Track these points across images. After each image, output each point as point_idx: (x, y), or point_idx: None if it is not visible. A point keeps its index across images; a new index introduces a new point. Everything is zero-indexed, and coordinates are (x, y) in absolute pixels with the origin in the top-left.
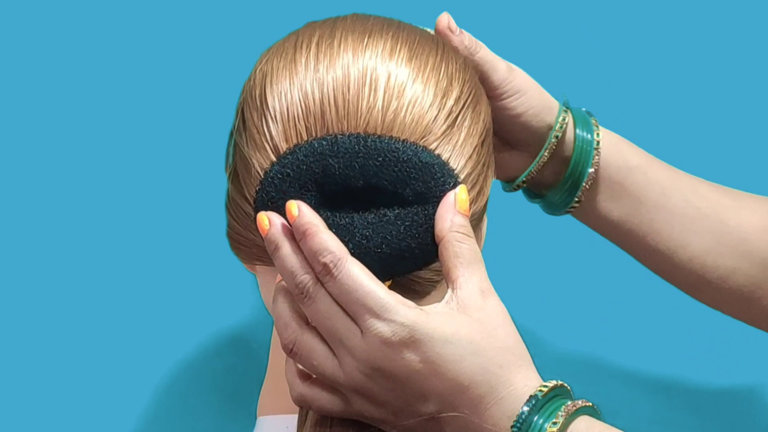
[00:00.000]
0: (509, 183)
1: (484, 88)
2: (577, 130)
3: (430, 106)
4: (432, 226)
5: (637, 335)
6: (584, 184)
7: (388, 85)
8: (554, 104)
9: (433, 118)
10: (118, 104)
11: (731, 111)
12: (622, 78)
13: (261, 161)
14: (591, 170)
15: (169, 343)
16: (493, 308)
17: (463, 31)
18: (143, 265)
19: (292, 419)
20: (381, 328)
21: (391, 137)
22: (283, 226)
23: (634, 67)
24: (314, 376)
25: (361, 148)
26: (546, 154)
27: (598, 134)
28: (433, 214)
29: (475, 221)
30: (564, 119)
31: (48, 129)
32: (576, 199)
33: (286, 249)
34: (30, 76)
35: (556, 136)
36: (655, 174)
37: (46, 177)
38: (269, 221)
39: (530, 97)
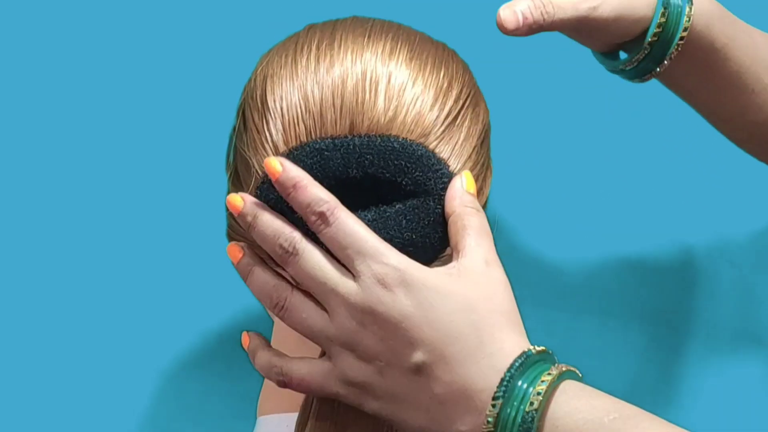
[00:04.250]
0: (602, 55)
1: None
2: (669, 8)
3: (430, 106)
4: (434, 220)
5: (637, 331)
6: (665, 60)
7: (388, 86)
8: None
9: (433, 119)
10: (118, 105)
11: None
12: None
13: (261, 161)
14: (673, 52)
15: (168, 343)
16: (495, 277)
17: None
18: (143, 265)
19: (292, 418)
20: (377, 268)
21: (389, 136)
22: (256, 201)
23: None
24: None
25: (357, 145)
26: (643, 52)
27: (689, 15)
28: (434, 207)
29: None
30: (661, 18)
31: (49, 129)
32: (652, 72)
33: (266, 215)
34: (30, 76)
35: (656, 35)
36: (737, 57)
37: (48, 177)
38: (242, 197)
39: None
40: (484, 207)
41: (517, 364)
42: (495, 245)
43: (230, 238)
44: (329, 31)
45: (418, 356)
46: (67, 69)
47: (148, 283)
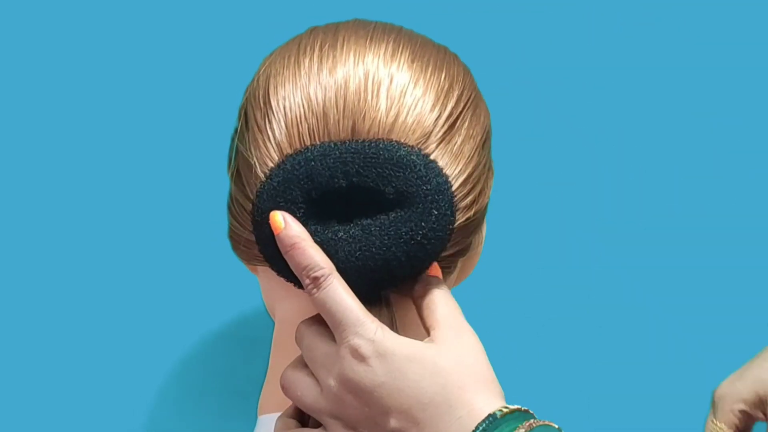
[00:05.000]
0: None
1: None
2: None
3: (431, 108)
4: (417, 234)
5: (639, 349)
6: None
7: (390, 88)
8: None
9: (433, 121)
10: (120, 107)
11: (732, 113)
12: (623, 80)
13: (263, 161)
14: None
15: (169, 342)
16: (465, 342)
17: None
18: (144, 265)
19: None
20: (353, 340)
21: (381, 140)
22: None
23: (635, 70)
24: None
25: (343, 153)
26: None
27: None
28: (418, 220)
29: (476, 223)
30: None
31: (51, 131)
32: None
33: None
34: (31, 76)
35: None
36: None
37: (50, 178)
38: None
39: None
40: (485, 208)
41: (482, 427)
42: (499, 243)
43: (231, 239)
44: (332, 33)
45: (394, 423)
46: (69, 71)
47: (148, 284)
